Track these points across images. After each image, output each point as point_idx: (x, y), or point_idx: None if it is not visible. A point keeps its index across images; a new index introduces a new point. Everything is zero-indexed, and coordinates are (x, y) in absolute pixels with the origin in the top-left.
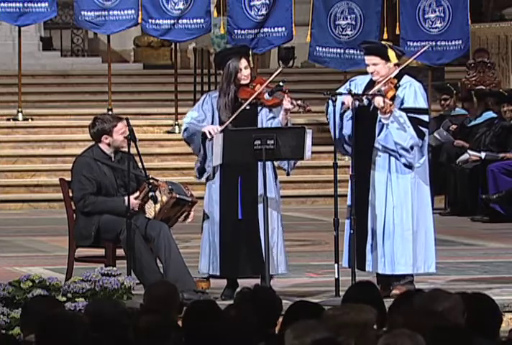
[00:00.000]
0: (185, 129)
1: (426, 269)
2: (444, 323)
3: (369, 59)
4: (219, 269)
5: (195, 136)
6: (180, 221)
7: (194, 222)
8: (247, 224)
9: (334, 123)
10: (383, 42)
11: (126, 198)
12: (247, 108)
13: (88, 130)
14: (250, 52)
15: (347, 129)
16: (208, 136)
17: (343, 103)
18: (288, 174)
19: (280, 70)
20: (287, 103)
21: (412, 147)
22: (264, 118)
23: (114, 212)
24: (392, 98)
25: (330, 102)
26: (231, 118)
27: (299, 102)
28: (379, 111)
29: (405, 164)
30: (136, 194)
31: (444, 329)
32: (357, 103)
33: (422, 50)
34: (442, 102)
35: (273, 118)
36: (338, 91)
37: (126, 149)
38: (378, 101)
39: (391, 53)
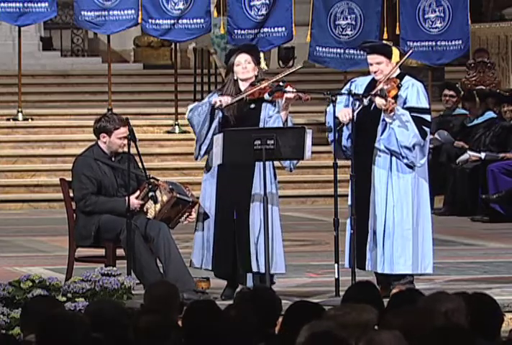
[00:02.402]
0: (191, 110)
1: (423, 270)
2: (446, 324)
3: (373, 58)
4: (211, 263)
5: (201, 113)
6: (182, 221)
7: (194, 222)
8: (241, 222)
9: (334, 132)
10: (384, 42)
11: (127, 198)
12: (251, 106)
13: (88, 130)
14: (261, 54)
15: (346, 141)
16: (218, 104)
17: (337, 118)
18: (290, 170)
19: (298, 68)
20: (288, 93)
21: (414, 146)
22: (267, 115)
23: (115, 212)
24: (395, 98)
25: (328, 109)
26: (237, 99)
27: (300, 94)
28: (383, 111)
29: (407, 164)
30: (137, 194)
31: (446, 330)
32: (357, 103)
33: (411, 52)
34: (448, 98)
35: (273, 116)
36: (338, 92)
37: (126, 150)
38: (380, 101)
39: (395, 51)
